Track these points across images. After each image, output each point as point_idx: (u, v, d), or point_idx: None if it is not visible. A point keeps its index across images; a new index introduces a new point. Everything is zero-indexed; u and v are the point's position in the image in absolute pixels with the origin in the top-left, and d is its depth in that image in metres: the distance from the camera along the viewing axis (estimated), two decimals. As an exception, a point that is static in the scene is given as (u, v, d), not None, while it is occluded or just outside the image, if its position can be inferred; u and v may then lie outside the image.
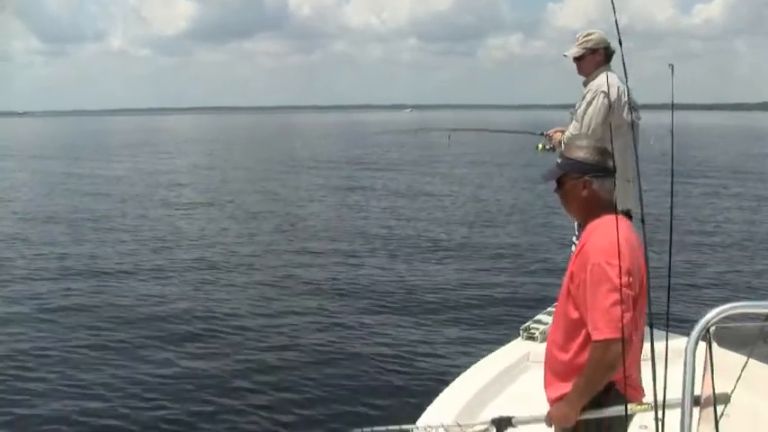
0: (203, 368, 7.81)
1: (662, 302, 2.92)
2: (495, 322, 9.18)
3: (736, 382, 2.58)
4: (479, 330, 9.00)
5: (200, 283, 11.69)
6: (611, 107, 5.33)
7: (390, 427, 3.49)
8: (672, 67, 2.60)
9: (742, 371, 2.61)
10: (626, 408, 2.64)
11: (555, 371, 2.98)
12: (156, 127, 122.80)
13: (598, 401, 2.80)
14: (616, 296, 2.63)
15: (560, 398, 2.90)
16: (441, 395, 4.50)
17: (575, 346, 2.85)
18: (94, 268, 12.69)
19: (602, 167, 2.86)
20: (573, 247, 5.36)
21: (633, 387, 2.82)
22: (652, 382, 2.65)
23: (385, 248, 14.39)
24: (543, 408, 3.03)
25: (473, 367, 5.01)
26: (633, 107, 5.35)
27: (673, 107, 2.58)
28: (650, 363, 2.72)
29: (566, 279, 2.92)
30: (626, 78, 2.96)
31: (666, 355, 2.79)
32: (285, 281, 11.90)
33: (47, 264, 13.08)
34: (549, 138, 5.87)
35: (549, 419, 2.92)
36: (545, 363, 3.07)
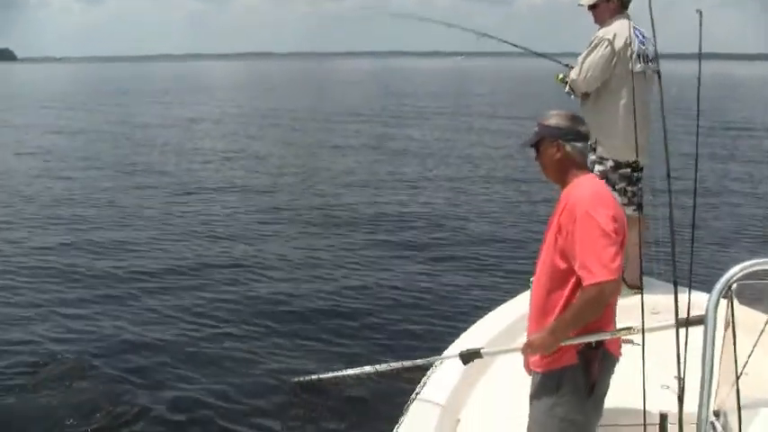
0: (235, 308, 8.14)
1: (685, 259, 2.90)
2: (509, 273, 9.27)
3: (757, 339, 2.56)
4: (495, 279, 9.14)
5: (227, 228, 11.94)
6: (615, 56, 5.22)
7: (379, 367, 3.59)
8: (700, 13, 2.53)
9: (763, 329, 2.58)
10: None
11: (543, 311, 3.06)
12: (191, 73, 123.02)
13: (587, 356, 2.92)
14: (606, 240, 2.79)
15: None
16: (450, 347, 4.51)
17: (564, 293, 2.96)
18: (123, 213, 13.04)
19: (573, 131, 3.08)
20: None
21: (614, 342, 3.00)
22: (675, 339, 2.63)
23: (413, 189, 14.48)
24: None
25: (485, 317, 5.00)
26: (647, 57, 5.24)
27: (700, 57, 2.51)
28: (674, 319, 2.71)
29: (551, 232, 3.03)
30: (653, 27, 2.88)
31: (688, 311, 2.77)
32: (312, 224, 12.27)
33: (82, 208, 13.43)
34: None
35: (526, 348, 3.07)
36: (531, 306, 3.18)
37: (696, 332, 2.39)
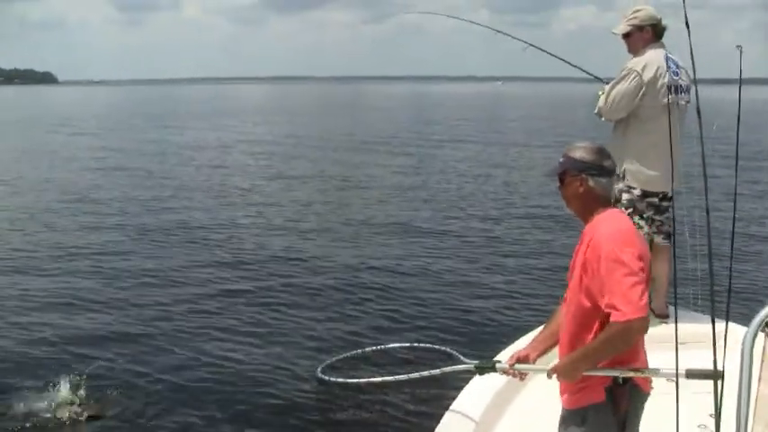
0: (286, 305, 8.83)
1: (722, 291, 2.85)
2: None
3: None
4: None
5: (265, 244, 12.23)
6: (642, 88, 5.18)
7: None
8: (740, 48, 2.50)
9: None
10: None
11: (573, 339, 3.03)
12: (227, 95, 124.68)
13: (615, 392, 2.87)
14: (633, 279, 2.72)
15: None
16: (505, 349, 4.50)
17: (594, 327, 2.91)
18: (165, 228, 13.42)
19: (597, 166, 3.03)
20: None
21: (643, 379, 2.94)
22: (713, 369, 2.58)
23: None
24: None
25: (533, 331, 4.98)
26: (679, 89, 5.20)
27: (740, 89, 2.49)
28: (712, 350, 2.67)
29: (576, 270, 2.99)
30: (692, 57, 2.84)
31: (725, 344, 2.72)
32: (344, 239, 12.69)
33: (123, 219, 14.13)
34: None
35: (552, 372, 3.02)
36: (561, 333, 3.14)
37: (732, 367, 2.34)
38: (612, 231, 2.89)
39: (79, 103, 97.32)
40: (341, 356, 6.35)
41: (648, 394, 2.98)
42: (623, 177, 5.32)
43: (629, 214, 5.32)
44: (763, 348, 2.41)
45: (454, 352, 5.30)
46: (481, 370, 3.30)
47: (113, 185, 19.00)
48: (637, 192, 5.31)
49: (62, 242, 12.28)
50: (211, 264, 10.88)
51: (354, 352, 6.09)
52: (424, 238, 12.68)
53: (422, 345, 3.84)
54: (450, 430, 3.51)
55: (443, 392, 5.40)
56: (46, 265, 10.86)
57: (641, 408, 2.98)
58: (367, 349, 4.67)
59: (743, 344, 2.16)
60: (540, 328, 3.44)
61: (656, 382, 3.08)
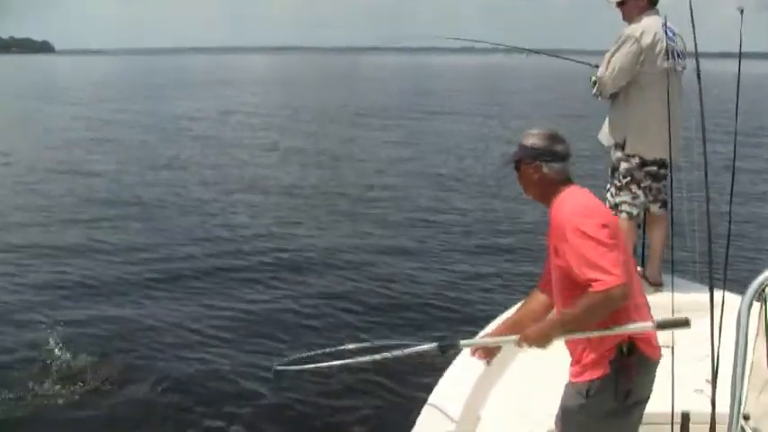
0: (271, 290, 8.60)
1: (720, 260, 2.86)
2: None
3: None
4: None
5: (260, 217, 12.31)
6: (642, 53, 5.17)
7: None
8: (741, 11, 2.49)
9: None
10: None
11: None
12: (227, 66, 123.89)
13: (621, 364, 2.84)
14: (603, 249, 2.75)
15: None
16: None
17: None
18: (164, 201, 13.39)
19: (550, 152, 3.07)
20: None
21: (651, 345, 2.90)
22: (710, 339, 2.61)
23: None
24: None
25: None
26: (676, 53, 5.18)
27: (740, 56, 2.48)
28: (709, 319, 2.69)
29: (551, 253, 3.04)
30: (692, 22, 2.82)
31: (722, 313, 2.74)
32: (333, 215, 12.65)
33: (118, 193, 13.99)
34: None
35: (521, 340, 3.02)
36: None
37: (728, 334, 2.36)
38: (572, 209, 2.91)
39: (77, 72, 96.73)
40: (303, 355, 6.05)
41: (658, 362, 2.97)
42: (623, 148, 5.32)
43: (626, 183, 5.32)
44: (759, 316, 2.41)
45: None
46: (443, 348, 3.26)
47: (106, 156, 19.01)
48: (636, 161, 5.32)
49: (51, 212, 12.33)
50: (189, 241, 10.81)
51: (314, 352, 5.69)
52: (417, 215, 12.56)
53: (385, 343, 3.73)
54: (439, 410, 3.48)
55: (409, 378, 5.42)
56: (34, 237, 10.88)
57: (651, 376, 2.96)
58: (327, 350, 4.44)
59: (739, 310, 2.18)
60: (511, 310, 3.43)
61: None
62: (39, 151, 19.89)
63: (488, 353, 3.40)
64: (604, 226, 2.83)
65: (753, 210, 12.97)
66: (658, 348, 2.96)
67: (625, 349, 2.85)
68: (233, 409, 5.86)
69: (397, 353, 3.41)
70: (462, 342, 3.25)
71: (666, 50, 4.97)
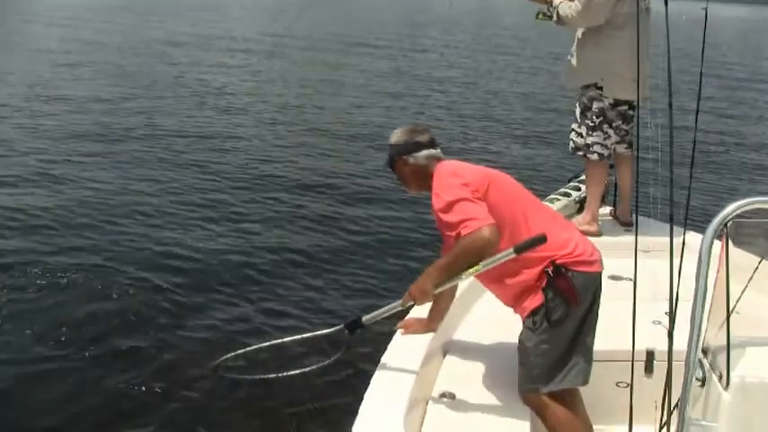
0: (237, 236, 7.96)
1: (682, 197, 2.88)
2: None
3: (749, 280, 2.56)
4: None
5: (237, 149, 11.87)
6: None
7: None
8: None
9: (756, 268, 2.57)
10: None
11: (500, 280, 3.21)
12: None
13: (554, 286, 3.01)
14: (466, 203, 2.96)
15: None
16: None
17: (520, 277, 3.08)
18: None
19: (413, 143, 3.32)
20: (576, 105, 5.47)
21: (582, 261, 3.05)
22: (669, 279, 2.64)
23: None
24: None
25: None
26: None
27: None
28: (668, 259, 2.71)
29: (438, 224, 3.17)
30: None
31: (682, 251, 2.77)
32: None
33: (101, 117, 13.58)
34: (549, 2, 5.44)
35: (406, 300, 3.10)
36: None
37: (689, 270, 2.38)
38: (438, 181, 3.14)
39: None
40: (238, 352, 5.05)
41: (600, 273, 3.11)
42: (601, 88, 5.28)
43: (599, 123, 5.30)
44: (720, 253, 2.44)
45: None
46: (350, 328, 3.28)
47: (81, 81, 18.05)
48: (609, 100, 5.27)
49: (14, 145, 11.38)
50: (157, 178, 10.01)
51: (249, 348, 4.56)
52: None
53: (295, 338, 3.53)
54: (387, 384, 3.26)
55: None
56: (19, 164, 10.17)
57: (597, 287, 3.10)
58: (263, 344, 3.89)
59: (701, 245, 2.20)
60: None
61: (616, 287, 3.12)
62: (6, 73, 18.59)
63: (422, 325, 3.52)
64: (465, 184, 3.03)
65: (717, 155, 13.10)
66: (594, 262, 3.10)
67: (551, 272, 3.00)
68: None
69: (306, 336, 3.49)
70: (364, 318, 3.26)
71: None
